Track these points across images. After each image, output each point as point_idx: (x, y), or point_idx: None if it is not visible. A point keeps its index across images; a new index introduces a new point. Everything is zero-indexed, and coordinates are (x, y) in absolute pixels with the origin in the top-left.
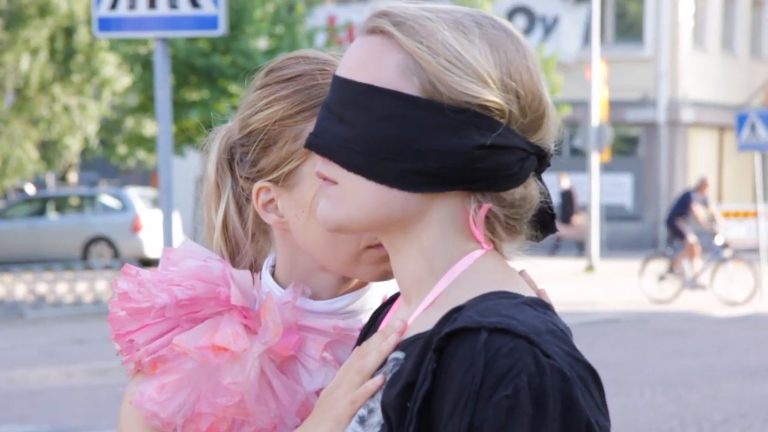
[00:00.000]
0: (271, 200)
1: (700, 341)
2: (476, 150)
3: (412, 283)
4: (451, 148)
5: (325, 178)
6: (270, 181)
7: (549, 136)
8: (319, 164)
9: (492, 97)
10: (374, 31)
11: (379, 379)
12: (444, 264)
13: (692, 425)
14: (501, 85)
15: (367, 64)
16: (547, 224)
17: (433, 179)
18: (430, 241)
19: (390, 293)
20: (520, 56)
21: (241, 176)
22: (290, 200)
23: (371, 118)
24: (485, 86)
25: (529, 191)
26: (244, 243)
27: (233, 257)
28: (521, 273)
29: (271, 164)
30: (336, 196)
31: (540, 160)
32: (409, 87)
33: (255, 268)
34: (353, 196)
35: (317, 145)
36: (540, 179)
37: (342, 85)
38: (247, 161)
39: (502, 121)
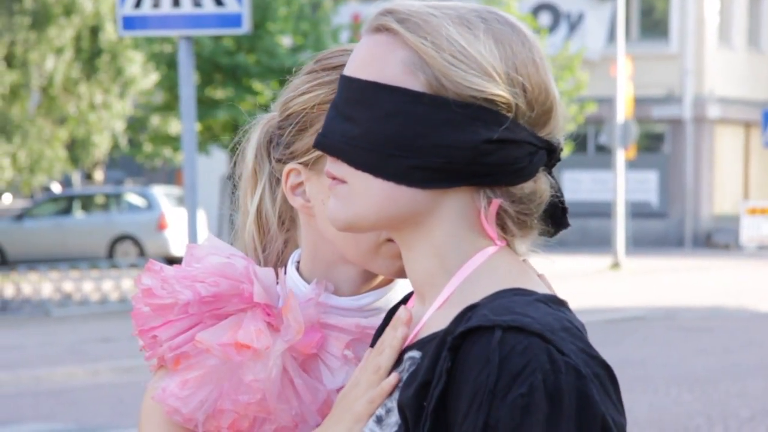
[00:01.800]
0: (300, 184)
1: (727, 338)
2: (483, 144)
3: (425, 280)
4: (457, 143)
5: (334, 178)
6: (301, 163)
7: (558, 131)
8: (328, 163)
9: (498, 90)
10: (379, 29)
11: (393, 378)
12: (457, 261)
13: (719, 423)
14: (507, 79)
15: (373, 61)
16: (559, 219)
17: (441, 175)
18: (441, 238)
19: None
20: (526, 50)
21: (274, 158)
22: (318, 184)
23: (377, 115)
24: (491, 80)
25: (539, 186)
26: (275, 230)
27: (264, 244)
28: (540, 277)
29: (304, 147)
30: (345, 195)
31: (549, 155)
32: (415, 83)
33: (282, 257)
34: (362, 194)
35: (325, 144)
36: (551, 174)
37: (348, 83)
38: (281, 143)
39: (508, 115)
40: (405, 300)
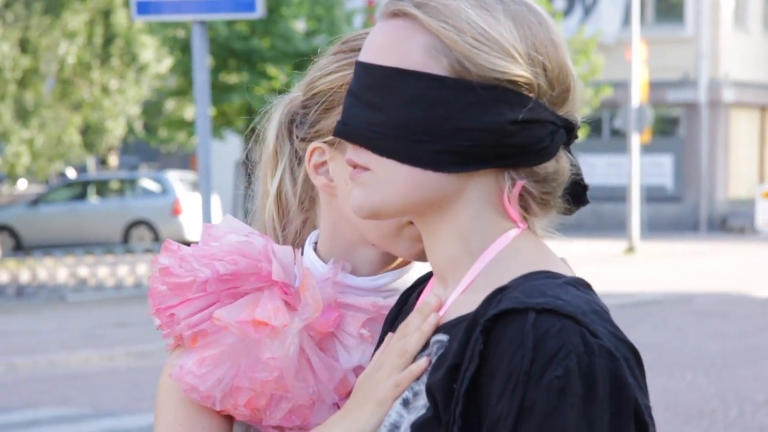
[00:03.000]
0: (323, 163)
1: (742, 322)
2: (508, 126)
3: (447, 263)
4: (483, 126)
5: (355, 165)
6: (326, 142)
7: (576, 108)
8: (349, 151)
9: (520, 71)
10: (396, 14)
11: (423, 362)
12: (480, 244)
13: (734, 406)
14: (528, 59)
15: (393, 47)
16: (579, 197)
17: (467, 158)
18: (465, 221)
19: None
20: (544, 29)
21: (297, 137)
22: (342, 164)
23: (401, 101)
24: (513, 61)
25: (561, 164)
26: (294, 211)
27: (283, 225)
28: (562, 260)
29: (330, 125)
30: (370, 183)
31: (568, 133)
32: (438, 67)
33: (300, 238)
34: (387, 181)
35: (347, 132)
36: (570, 151)
37: (367, 70)
38: (306, 122)
39: (531, 95)
40: (418, 283)
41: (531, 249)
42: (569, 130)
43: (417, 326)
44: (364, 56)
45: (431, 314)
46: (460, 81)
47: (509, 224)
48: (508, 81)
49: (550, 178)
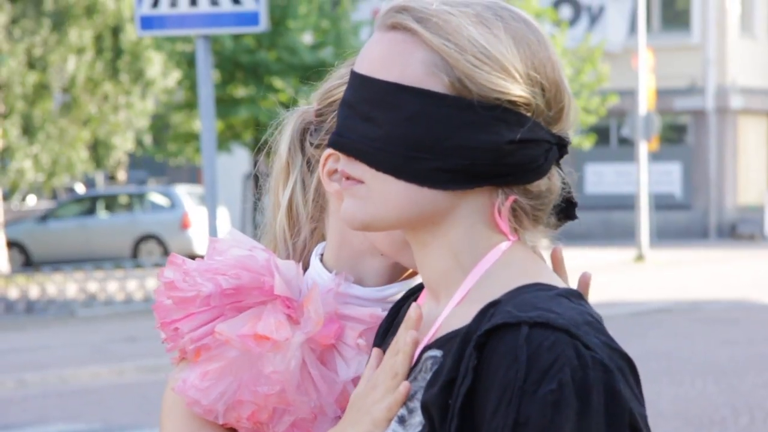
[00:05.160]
0: (337, 170)
1: (752, 329)
2: (506, 145)
3: (439, 278)
4: (481, 145)
5: (348, 177)
6: None
7: (569, 126)
8: (342, 163)
9: (520, 91)
10: (395, 27)
11: (404, 388)
12: (472, 258)
13: (745, 413)
14: (527, 79)
15: (392, 61)
16: (568, 212)
17: (464, 176)
18: (457, 236)
19: None
20: (543, 48)
21: (312, 144)
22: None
23: (400, 117)
24: (513, 81)
25: (553, 182)
26: (304, 222)
27: (294, 237)
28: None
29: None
30: (363, 196)
31: (560, 150)
32: (438, 85)
33: (308, 249)
34: (382, 195)
35: (343, 144)
36: (559, 167)
37: (364, 83)
38: (322, 129)
39: (529, 115)
40: (409, 295)
41: (523, 261)
42: (561, 147)
43: (402, 346)
44: (362, 67)
45: (410, 332)
46: (459, 99)
47: (500, 237)
48: (507, 101)
49: (543, 195)
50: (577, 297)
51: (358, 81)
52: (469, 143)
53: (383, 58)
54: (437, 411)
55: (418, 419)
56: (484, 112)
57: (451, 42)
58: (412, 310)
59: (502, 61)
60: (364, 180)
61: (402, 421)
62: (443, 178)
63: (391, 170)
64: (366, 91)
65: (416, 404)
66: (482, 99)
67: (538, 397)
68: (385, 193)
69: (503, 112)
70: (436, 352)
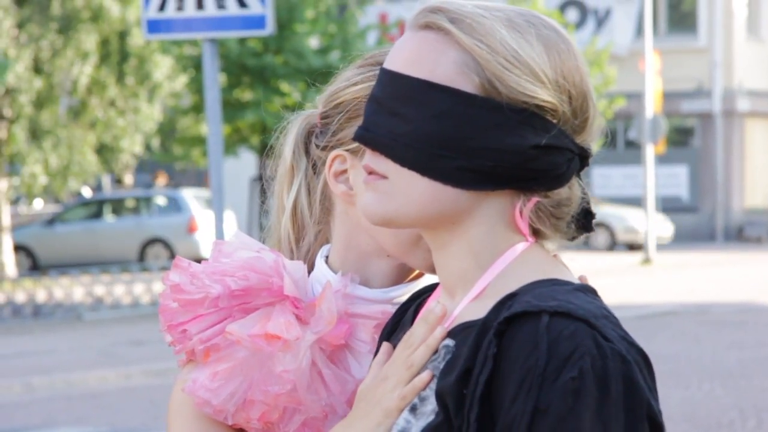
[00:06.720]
0: (344, 171)
1: (759, 332)
2: (531, 150)
3: (458, 277)
4: (507, 147)
5: (372, 172)
6: (348, 150)
7: (592, 138)
8: (367, 157)
9: (548, 97)
10: (429, 26)
11: (426, 376)
12: (490, 257)
13: (752, 416)
14: (555, 86)
15: (423, 59)
16: (585, 224)
17: (487, 177)
18: (477, 236)
19: None
20: (572, 57)
21: (317, 146)
22: (363, 173)
23: (428, 114)
24: (542, 86)
25: (573, 192)
26: (308, 225)
27: (298, 240)
28: (581, 278)
29: (353, 134)
30: (386, 191)
31: (582, 161)
32: (468, 85)
33: (312, 251)
34: (405, 191)
35: (369, 138)
36: (579, 177)
37: (394, 79)
38: (328, 131)
39: (555, 121)
40: (416, 296)
41: (539, 259)
42: (583, 158)
43: (422, 337)
44: (392, 64)
45: (437, 326)
46: (488, 100)
47: (519, 237)
48: (535, 105)
49: (563, 203)
50: (593, 293)
51: (388, 77)
52: (495, 145)
53: (414, 55)
54: (453, 400)
55: (430, 407)
56: (512, 114)
57: (483, 43)
58: (436, 306)
59: (533, 65)
60: (387, 175)
61: (413, 409)
62: (467, 177)
63: (416, 167)
64: (395, 88)
65: (428, 393)
66: (511, 101)
67: (558, 384)
68: (408, 189)
69: (530, 116)
70: (449, 342)
